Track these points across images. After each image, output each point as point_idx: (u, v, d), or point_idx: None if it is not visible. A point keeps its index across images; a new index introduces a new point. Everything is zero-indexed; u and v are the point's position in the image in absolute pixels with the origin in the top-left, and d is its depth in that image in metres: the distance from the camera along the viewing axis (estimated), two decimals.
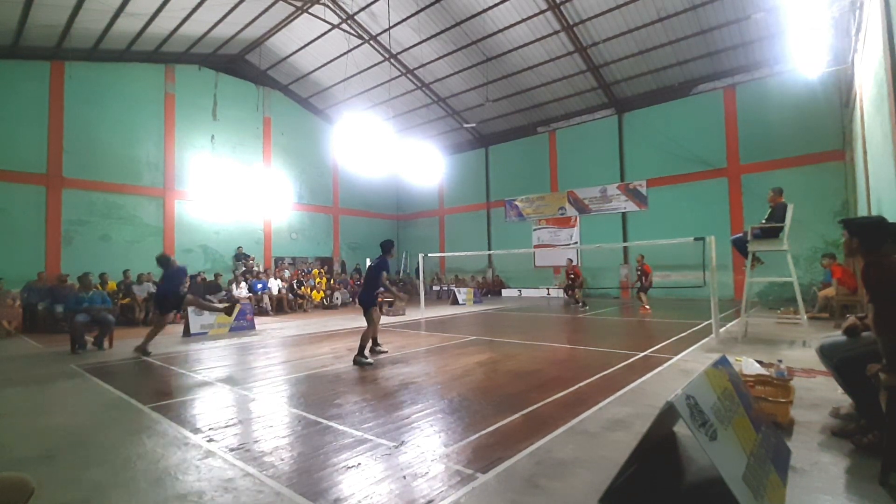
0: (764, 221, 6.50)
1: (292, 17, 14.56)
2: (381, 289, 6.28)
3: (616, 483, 2.19)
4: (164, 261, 7.58)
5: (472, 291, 16.39)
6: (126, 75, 14.47)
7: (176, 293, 7.33)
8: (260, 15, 13.99)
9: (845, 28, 9.17)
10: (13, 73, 12.35)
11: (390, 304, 13.07)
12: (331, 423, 3.50)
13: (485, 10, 13.69)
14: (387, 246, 6.44)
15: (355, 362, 5.75)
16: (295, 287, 15.04)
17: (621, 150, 16.82)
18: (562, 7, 13.21)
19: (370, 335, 6.04)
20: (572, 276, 14.09)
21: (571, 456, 2.75)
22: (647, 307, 11.69)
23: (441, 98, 18.67)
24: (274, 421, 3.63)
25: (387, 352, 6.48)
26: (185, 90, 15.87)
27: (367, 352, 5.91)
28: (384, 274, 6.19)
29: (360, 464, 2.74)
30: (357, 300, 6.71)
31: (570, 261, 14.77)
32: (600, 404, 3.75)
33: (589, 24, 13.63)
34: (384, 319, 11.27)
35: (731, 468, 1.87)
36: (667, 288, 11.76)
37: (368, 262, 6.49)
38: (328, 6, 14.11)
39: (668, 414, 2.03)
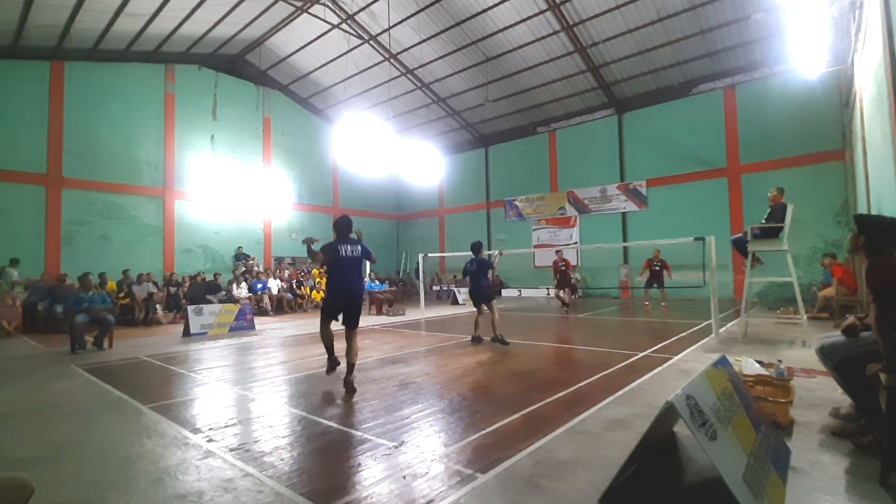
0: (763, 221, 6.50)
1: (292, 17, 14.56)
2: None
3: (616, 483, 2.19)
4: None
5: None
6: (126, 75, 14.48)
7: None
8: (260, 15, 14.00)
9: (845, 28, 9.18)
10: (13, 73, 12.36)
11: (390, 304, 13.10)
12: (331, 423, 3.50)
13: (485, 10, 13.68)
14: (477, 247, 7.55)
15: (494, 340, 6.76)
16: (294, 287, 15.03)
17: (621, 150, 16.82)
18: (562, 7, 13.21)
19: (498, 319, 6.94)
20: (563, 267, 12.07)
21: (571, 456, 2.75)
22: (648, 303, 12.17)
23: (441, 98, 18.67)
24: (274, 421, 3.63)
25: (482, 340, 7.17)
26: (185, 90, 15.88)
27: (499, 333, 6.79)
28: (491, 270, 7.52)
29: (360, 464, 2.74)
30: (476, 298, 7.39)
31: (560, 253, 12.74)
32: (600, 404, 3.75)
33: (589, 24, 13.63)
34: (384, 319, 11.28)
35: (731, 468, 1.87)
36: (667, 288, 11.78)
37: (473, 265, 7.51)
38: (328, 6, 14.11)
39: (668, 414, 2.03)
